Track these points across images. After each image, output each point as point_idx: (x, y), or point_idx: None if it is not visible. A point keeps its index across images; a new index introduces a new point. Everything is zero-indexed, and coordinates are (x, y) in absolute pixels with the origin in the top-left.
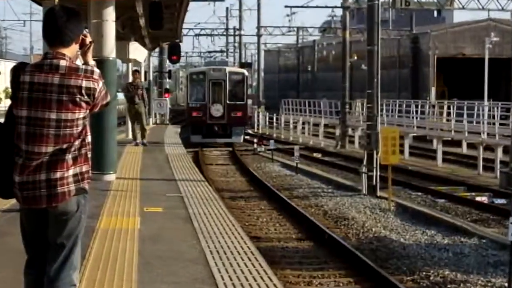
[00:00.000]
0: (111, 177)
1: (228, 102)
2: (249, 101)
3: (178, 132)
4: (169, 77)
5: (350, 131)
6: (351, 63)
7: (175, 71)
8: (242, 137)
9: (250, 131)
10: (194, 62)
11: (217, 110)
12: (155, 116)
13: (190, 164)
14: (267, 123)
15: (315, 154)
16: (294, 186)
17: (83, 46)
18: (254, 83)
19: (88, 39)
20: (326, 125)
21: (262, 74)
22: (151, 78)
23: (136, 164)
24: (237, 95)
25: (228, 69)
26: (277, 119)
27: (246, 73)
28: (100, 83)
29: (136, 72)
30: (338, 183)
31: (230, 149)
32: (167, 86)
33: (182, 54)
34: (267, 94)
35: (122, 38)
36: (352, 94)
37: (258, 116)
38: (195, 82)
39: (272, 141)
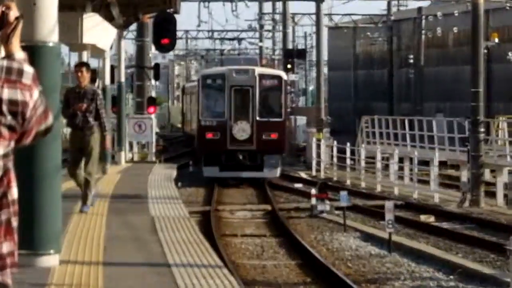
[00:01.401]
0: (51, 260)
1: (258, 118)
2: (302, 120)
3: (173, 176)
4: (156, 77)
5: (487, 174)
6: (488, 50)
7: (167, 65)
8: (278, 170)
9: (303, 174)
10: (200, 49)
11: (242, 130)
12: (131, 148)
13: (195, 236)
14: (335, 159)
15: (423, 217)
16: (385, 275)
17: (4, 26)
18: (311, 87)
19: (13, 13)
20: (443, 164)
21: (325, 70)
22: (122, 79)
23: (96, 235)
24: (272, 108)
25: (258, 70)
26: (352, 152)
27: (285, 76)
28: (35, 93)
29: (82, 68)
30: (467, 271)
31: (268, 207)
32: (153, 94)
33: (180, 34)
34: (335, 106)
35: (70, 7)
36: (491, 105)
37: (317, 146)
38: (210, 89)
39: (344, 194)
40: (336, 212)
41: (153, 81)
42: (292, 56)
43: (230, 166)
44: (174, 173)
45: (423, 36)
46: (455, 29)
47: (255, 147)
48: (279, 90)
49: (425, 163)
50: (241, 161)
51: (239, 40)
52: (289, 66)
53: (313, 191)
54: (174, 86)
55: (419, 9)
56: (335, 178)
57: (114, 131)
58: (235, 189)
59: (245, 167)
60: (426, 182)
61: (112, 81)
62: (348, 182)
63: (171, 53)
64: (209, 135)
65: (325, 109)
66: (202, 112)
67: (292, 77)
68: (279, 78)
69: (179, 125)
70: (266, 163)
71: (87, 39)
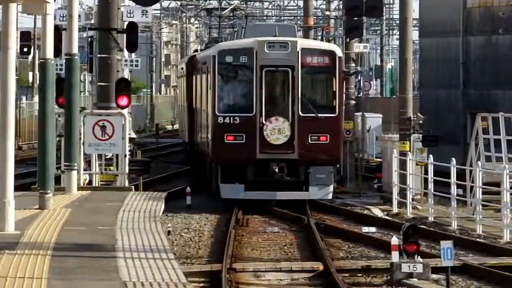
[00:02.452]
0: None
1: (300, 114)
2: (375, 120)
3: (159, 209)
4: (132, 47)
5: None
6: None
7: (149, 26)
8: (330, 189)
9: (377, 211)
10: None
11: (277, 131)
12: (89, 166)
13: None
14: (431, 186)
15: None
16: None
17: None
18: (390, 65)
19: None
20: None
21: (414, 36)
22: (75, 49)
23: None
24: (321, 99)
25: (301, 43)
26: (461, 174)
27: (339, 51)
28: None
29: None
30: None
31: (319, 266)
32: (126, 74)
33: None
34: (430, 97)
35: None
36: None
37: (401, 164)
38: (231, 71)
39: (447, 245)
40: (434, 276)
41: (126, 54)
42: (359, 14)
43: (261, 184)
44: (160, 207)
45: None
46: None
47: (296, 156)
48: (332, 72)
49: None
50: (277, 175)
51: None
52: (353, 29)
53: (395, 239)
54: (162, 62)
55: None
56: (431, 218)
57: (60, 137)
58: (263, 234)
59: (282, 184)
60: None
61: (58, 52)
62: (454, 225)
63: (156, 6)
64: (230, 138)
65: (414, 101)
66: (219, 104)
67: (360, 47)
68: (331, 54)
69: (170, 127)
70: (312, 178)
71: None
